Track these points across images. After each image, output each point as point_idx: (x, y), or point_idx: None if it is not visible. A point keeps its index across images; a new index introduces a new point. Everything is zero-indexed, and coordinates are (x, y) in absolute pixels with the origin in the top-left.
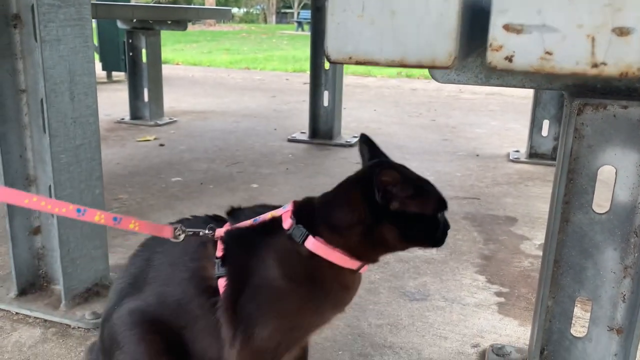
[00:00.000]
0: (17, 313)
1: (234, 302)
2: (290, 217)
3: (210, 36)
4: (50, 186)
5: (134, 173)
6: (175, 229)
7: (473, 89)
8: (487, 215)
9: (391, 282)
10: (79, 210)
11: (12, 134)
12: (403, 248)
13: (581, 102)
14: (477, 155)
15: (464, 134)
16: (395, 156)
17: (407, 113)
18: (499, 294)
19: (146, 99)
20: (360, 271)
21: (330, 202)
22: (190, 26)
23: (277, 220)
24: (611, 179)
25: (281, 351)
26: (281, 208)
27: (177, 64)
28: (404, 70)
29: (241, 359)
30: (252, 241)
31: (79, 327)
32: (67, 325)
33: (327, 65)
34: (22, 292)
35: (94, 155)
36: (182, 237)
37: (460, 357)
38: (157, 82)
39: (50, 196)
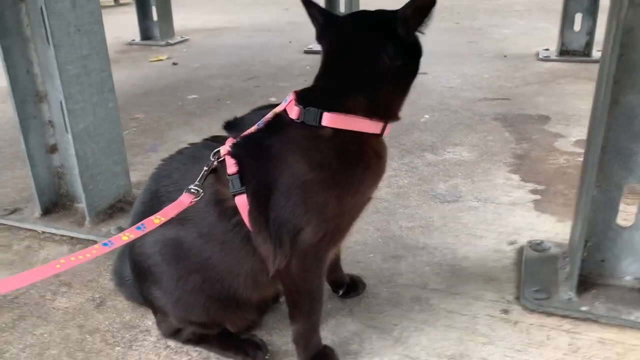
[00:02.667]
0: (43, 232)
1: (264, 214)
2: (296, 105)
3: None
4: (61, 102)
5: (149, 93)
6: (190, 192)
7: None
8: (519, 115)
9: (420, 186)
10: (105, 244)
11: (15, 48)
12: (410, 84)
13: None
14: (505, 56)
15: (490, 36)
16: (420, 61)
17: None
18: (534, 192)
19: (155, 17)
20: (385, 133)
21: (335, 66)
22: None
23: (282, 115)
24: None
25: (329, 245)
26: (282, 103)
27: None
28: None
29: (291, 268)
30: (263, 145)
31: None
32: (93, 241)
33: None
34: (46, 212)
35: (104, 67)
36: (201, 193)
37: (497, 254)
38: None
39: (63, 112)
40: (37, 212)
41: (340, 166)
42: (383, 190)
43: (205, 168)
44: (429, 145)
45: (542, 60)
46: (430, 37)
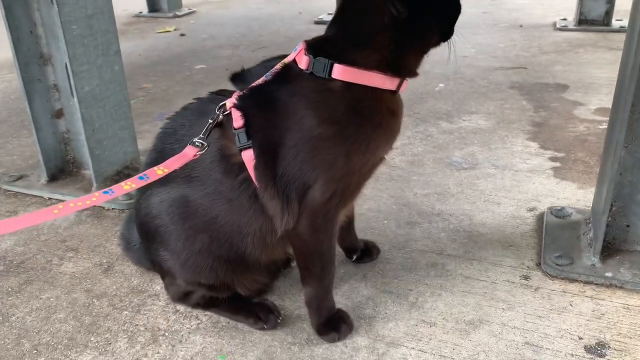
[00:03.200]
0: (49, 198)
1: (271, 170)
2: (305, 54)
3: None
4: (66, 64)
5: (156, 63)
6: (195, 145)
7: None
8: (536, 84)
9: (436, 154)
10: (106, 192)
11: (18, 7)
12: (436, 43)
13: None
14: (521, 26)
15: (505, 6)
16: None
17: None
18: (554, 159)
19: None
20: (401, 90)
21: (348, 13)
22: None
23: (291, 65)
24: None
25: (338, 205)
26: (291, 53)
27: None
28: None
29: (300, 228)
30: (270, 97)
31: (113, 209)
32: (100, 207)
33: None
34: (53, 178)
35: (109, 28)
36: (206, 146)
37: (516, 220)
38: None
39: (68, 75)
40: (44, 178)
41: (350, 122)
42: (397, 158)
43: (210, 121)
44: (443, 114)
45: (559, 29)
46: None
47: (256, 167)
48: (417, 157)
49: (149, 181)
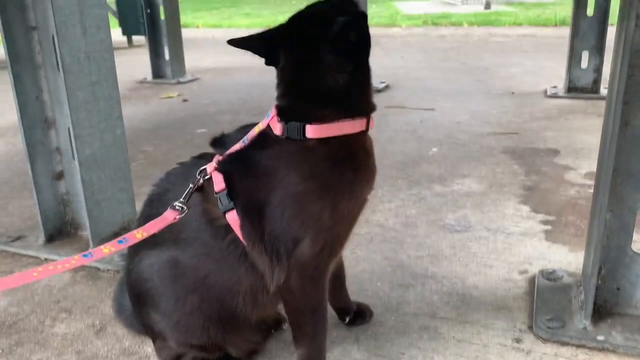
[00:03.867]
0: (45, 259)
1: (258, 228)
2: (279, 121)
3: (229, 2)
4: (69, 128)
5: (158, 127)
6: (174, 209)
7: (504, 31)
8: (527, 149)
9: (429, 216)
10: (85, 255)
11: (26, 74)
12: (368, 72)
13: None
14: (513, 93)
15: (497, 74)
16: (426, 98)
17: (436, 58)
18: (545, 222)
19: (167, 56)
20: (370, 126)
21: (304, 84)
22: None
23: (266, 131)
24: None
25: (329, 257)
26: (264, 119)
27: (197, 27)
28: (430, 19)
29: (291, 282)
30: (251, 162)
31: (108, 270)
32: (96, 268)
33: None
34: (50, 239)
35: (112, 94)
36: (185, 210)
37: (508, 283)
38: (176, 38)
39: (70, 139)
40: (41, 239)
41: (331, 173)
42: (391, 220)
43: (190, 185)
44: (437, 177)
45: (550, 97)
46: (437, 75)
47: (242, 227)
48: (411, 219)
49: (127, 244)
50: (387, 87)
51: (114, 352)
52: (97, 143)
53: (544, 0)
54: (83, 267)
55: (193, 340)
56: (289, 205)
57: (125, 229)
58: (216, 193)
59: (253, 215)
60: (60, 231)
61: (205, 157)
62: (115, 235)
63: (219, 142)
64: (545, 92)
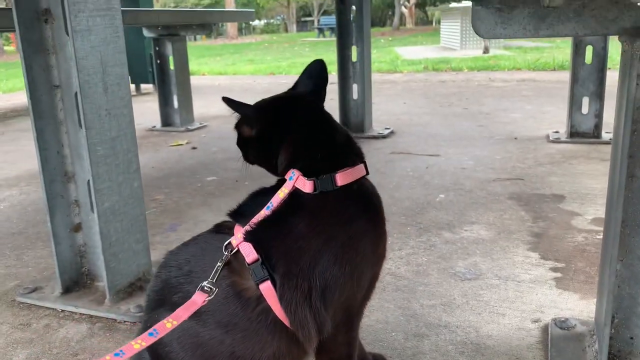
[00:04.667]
0: (62, 310)
1: (304, 295)
2: (308, 180)
3: (232, 49)
4: (88, 181)
5: (169, 175)
6: (204, 290)
7: (504, 76)
8: (533, 195)
9: (439, 264)
10: (117, 354)
11: (48, 130)
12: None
13: None
14: (515, 139)
15: (499, 119)
16: (430, 144)
17: (438, 103)
18: (554, 269)
19: (176, 105)
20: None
21: (310, 150)
22: (212, 40)
23: (294, 192)
24: None
25: (362, 304)
26: (286, 183)
27: (203, 74)
28: (430, 64)
29: (339, 338)
30: (286, 225)
31: (125, 321)
32: (112, 319)
33: (354, 57)
34: (67, 290)
35: (130, 147)
36: (215, 291)
37: (521, 332)
38: (185, 87)
39: (89, 192)
40: (58, 290)
41: (363, 212)
42: (402, 268)
43: (219, 264)
44: (445, 224)
45: (552, 142)
46: (440, 121)
47: (282, 297)
48: (422, 267)
49: (159, 336)
50: (391, 132)
51: None
52: (116, 196)
53: (541, 44)
54: (100, 319)
55: None
56: (344, 258)
57: (140, 279)
58: (249, 264)
59: (300, 280)
60: (76, 282)
61: (221, 228)
62: (131, 285)
63: (238, 213)
64: (548, 137)
